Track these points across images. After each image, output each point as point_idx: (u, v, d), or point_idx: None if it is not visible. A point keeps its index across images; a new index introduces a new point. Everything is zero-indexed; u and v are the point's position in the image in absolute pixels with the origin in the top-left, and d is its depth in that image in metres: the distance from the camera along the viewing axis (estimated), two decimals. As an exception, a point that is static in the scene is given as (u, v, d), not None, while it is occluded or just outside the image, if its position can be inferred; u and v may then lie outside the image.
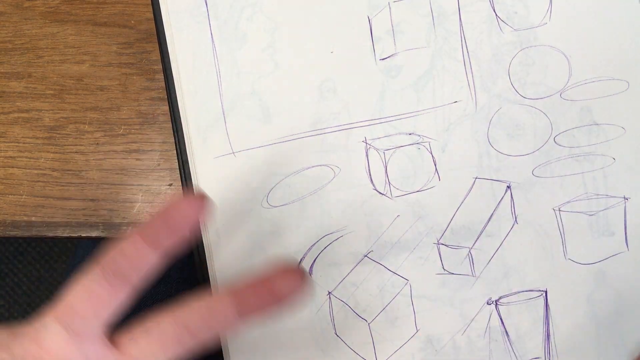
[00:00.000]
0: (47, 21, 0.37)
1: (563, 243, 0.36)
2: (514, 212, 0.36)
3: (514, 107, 0.36)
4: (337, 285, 0.36)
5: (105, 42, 0.38)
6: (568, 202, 0.36)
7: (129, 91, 0.37)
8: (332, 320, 0.36)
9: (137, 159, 0.37)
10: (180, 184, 0.37)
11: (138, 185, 0.37)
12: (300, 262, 0.36)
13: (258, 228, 0.36)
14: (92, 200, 0.37)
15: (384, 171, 0.36)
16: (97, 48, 0.37)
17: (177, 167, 0.36)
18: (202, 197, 0.26)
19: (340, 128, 0.36)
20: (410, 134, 0.36)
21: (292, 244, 0.36)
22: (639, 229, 0.35)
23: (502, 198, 0.36)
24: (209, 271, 0.36)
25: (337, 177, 0.36)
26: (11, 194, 0.37)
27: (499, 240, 0.36)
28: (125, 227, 0.37)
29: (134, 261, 0.25)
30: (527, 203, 0.36)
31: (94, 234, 0.37)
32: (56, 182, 0.37)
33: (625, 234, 0.35)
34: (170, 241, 0.25)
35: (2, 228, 0.36)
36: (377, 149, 0.36)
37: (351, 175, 0.36)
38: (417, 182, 0.36)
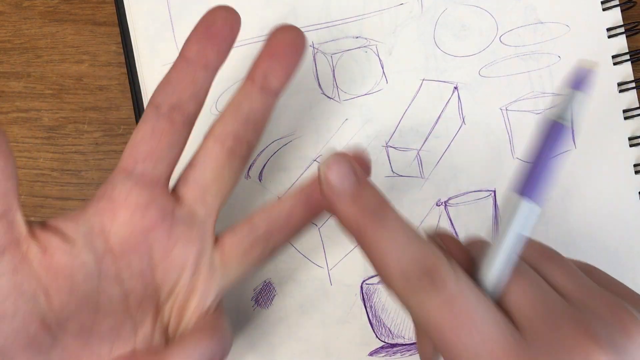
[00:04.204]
0: (46, 21, 0.38)
1: (511, 142, 0.36)
2: (461, 113, 0.36)
3: (460, 8, 0.36)
4: (287, 191, 0.36)
5: (105, 41, 0.38)
6: (515, 101, 0.36)
7: (128, 91, 0.37)
8: (282, 226, 0.36)
9: (137, 159, 0.37)
10: (130, 92, 0.37)
11: (136, 186, 0.37)
12: (250, 167, 0.36)
13: (207, 134, 0.36)
14: None
15: (332, 75, 0.36)
16: (97, 48, 0.38)
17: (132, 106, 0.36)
18: (231, 9, 0.26)
19: (288, 33, 0.36)
20: (357, 38, 0.36)
21: (241, 150, 0.36)
22: (586, 126, 0.35)
23: (449, 99, 0.36)
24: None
25: (285, 82, 0.36)
26: (11, 194, 0.37)
27: (447, 141, 0.36)
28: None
29: (184, 87, 0.24)
30: (475, 103, 0.36)
31: (93, 233, 0.37)
32: (55, 182, 0.37)
33: (572, 131, 0.35)
34: (215, 52, 0.24)
35: (2, 228, 0.36)
36: (324, 53, 0.36)
37: (299, 79, 0.36)
38: (364, 85, 0.36)
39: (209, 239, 0.26)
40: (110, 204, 0.25)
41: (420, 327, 0.21)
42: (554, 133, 0.20)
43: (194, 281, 0.26)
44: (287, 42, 0.26)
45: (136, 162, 0.25)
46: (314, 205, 0.27)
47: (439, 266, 0.20)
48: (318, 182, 0.22)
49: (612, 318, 0.19)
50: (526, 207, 0.20)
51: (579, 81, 0.20)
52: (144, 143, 0.25)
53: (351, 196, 0.21)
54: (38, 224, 0.24)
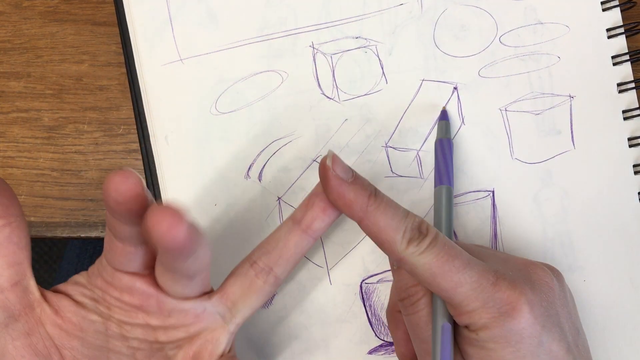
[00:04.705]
0: (46, 21, 0.38)
1: (510, 143, 0.36)
2: (460, 114, 0.36)
3: (459, 8, 0.36)
4: (286, 191, 0.36)
5: (105, 41, 0.38)
6: (514, 101, 0.36)
7: (128, 91, 0.36)
8: (282, 226, 0.36)
9: (137, 159, 0.37)
10: (130, 94, 0.37)
11: (137, 185, 0.37)
12: (248, 169, 0.36)
13: (207, 135, 0.36)
14: (91, 200, 0.37)
15: (332, 75, 0.36)
16: (97, 48, 0.38)
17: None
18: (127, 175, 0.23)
19: (287, 33, 0.36)
20: (356, 38, 0.36)
21: (241, 150, 0.36)
22: (585, 126, 0.35)
23: (448, 99, 0.36)
24: (159, 179, 0.36)
25: (285, 83, 0.36)
26: (10, 194, 0.37)
27: (446, 141, 0.36)
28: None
29: (121, 230, 0.25)
30: (474, 104, 0.36)
31: (93, 234, 0.37)
32: (55, 182, 0.37)
33: (571, 132, 0.35)
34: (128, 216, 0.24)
35: (2, 228, 0.36)
36: (324, 54, 0.36)
37: (299, 80, 0.36)
38: (364, 85, 0.36)
39: (216, 320, 0.29)
40: (103, 283, 0.27)
41: (419, 276, 0.26)
42: (443, 144, 0.33)
43: (203, 333, 0.28)
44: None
45: (109, 260, 0.27)
46: (306, 228, 0.29)
47: (422, 222, 0.27)
48: (322, 175, 0.28)
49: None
50: (443, 189, 0.31)
51: (444, 115, 0.35)
52: (108, 252, 0.27)
53: (351, 182, 0.27)
54: (49, 290, 0.27)
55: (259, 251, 0.30)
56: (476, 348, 0.26)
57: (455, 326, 0.27)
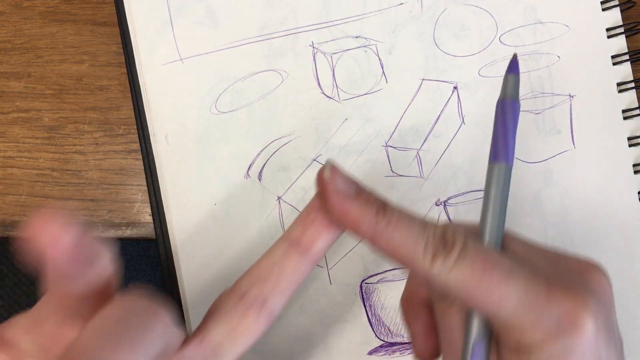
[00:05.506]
0: (46, 21, 0.38)
1: (510, 142, 0.36)
2: (460, 113, 0.36)
3: (459, 8, 0.36)
4: (286, 190, 0.36)
5: (105, 41, 0.38)
6: (514, 101, 0.36)
7: (129, 91, 0.36)
8: (282, 225, 0.36)
9: (137, 159, 0.37)
10: (130, 93, 0.37)
11: (137, 185, 0.37)
12: (248, 169, 0.36)
13: (207, 134, 0.36)
14: (91, 200, 0.37)
15: (332, 75, 0.36)
16: (97, 48, 0.38)
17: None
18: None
19: (288, 33, 0.36)
20: (357, 37, 0.36)
21: (241, 150, 0.36)
22: (585, 126, 0.35)
23: (449, 99, 0.36)
24: (159, 179, 0.36)
25: (285, 82, 0.36)
26: (11, 194, 0.37)
27: (446, 141, 0.36)
28: (124, 227, 0.37)
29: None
30: (474, 103, 0.36)
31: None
32: (56, 182, 0.37)
33: (571, 131, 0.35)
34: None
35: (2, 228, 0.36)
36: (324, 53, 0.36)
37: (299, 79, 0.36)
38: (364, 85, 0.36)
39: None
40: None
41: (454, 295, 0.22)
42: (505, 108, 0.25)
43: None
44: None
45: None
46: (305, 251, 0.24)
47: (445, 229, 0.22)
48: (320, 190, 0.23)
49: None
50: (497, 168, 0.24)
51: (513, 66, 0.25)
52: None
53: (356, 196, 0.22)
54: None
55: (248, 280, 0.24)
56: None
57: (494, 338, 0.23)
